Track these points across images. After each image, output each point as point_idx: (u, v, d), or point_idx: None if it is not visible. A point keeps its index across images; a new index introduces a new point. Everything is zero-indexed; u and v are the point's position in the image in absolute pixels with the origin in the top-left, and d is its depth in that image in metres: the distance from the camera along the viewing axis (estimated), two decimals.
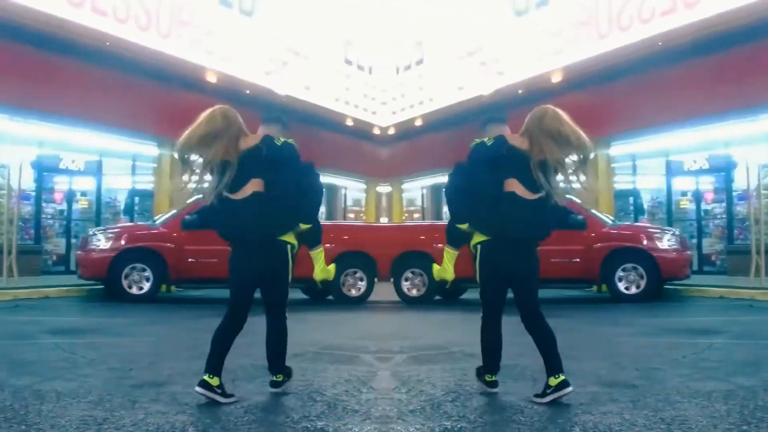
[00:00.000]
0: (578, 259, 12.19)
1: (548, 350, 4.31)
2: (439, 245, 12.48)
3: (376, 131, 26.89)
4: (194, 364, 5.28)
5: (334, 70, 23.69)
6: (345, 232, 13.12)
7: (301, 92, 21.63)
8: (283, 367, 4.55)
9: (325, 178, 26.67)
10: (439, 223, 18.39)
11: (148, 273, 12.36)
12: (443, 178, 23.14)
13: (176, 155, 4.35)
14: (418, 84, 24.12)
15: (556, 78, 17.79)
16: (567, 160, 4.27)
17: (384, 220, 28.41)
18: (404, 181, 28.64)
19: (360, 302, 12.35)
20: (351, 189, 29.15)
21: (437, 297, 12.91)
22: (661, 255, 12.11)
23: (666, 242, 12.31)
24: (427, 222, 21.64)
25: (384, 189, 29.68)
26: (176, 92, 18.13)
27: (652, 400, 4.15)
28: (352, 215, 28.42)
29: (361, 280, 12.60)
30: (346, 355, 6.05)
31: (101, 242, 12.48)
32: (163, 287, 13.54)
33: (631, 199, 19.43)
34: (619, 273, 12.21)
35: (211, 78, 18.53)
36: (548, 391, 4.13)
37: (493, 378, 4.54)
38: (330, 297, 12.88)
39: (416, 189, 28.72)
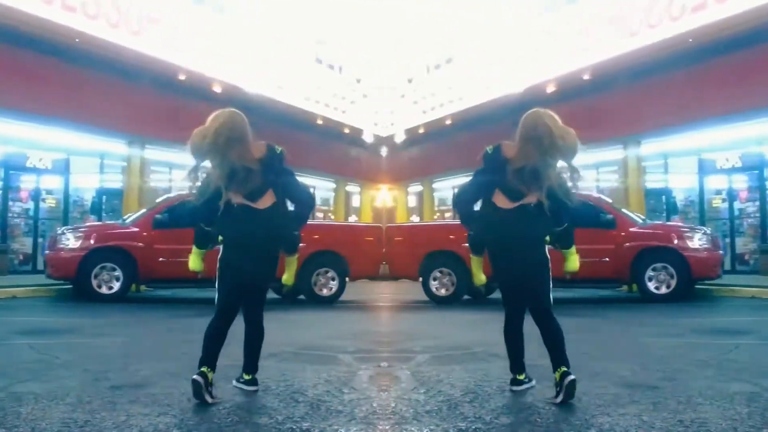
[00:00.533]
0: (608, 259, 12.17)
1: (553, 347, 4.43)
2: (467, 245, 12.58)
3: (365, 135, 26.81)
4: (171, 365, 5.49)
5: (305, 69, 23.60)
6: (316, 231, 13.06)
7: (272, 90, 21.51)
8: (257, 367, 4.70)
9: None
10: None
11: (118, 272, 12.34)
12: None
13: (192, 155, 4.35)
14: (447, 83, 24.02)
15: (586, 76, 17.64)
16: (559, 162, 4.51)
17: (415, 219, 28.34)
18: (435, 181, 28.58)
19: (332, 302, 12.53)
20: (320, 188, 28.93)
21: (466, 296, 12.83)
22: (691, 254, 12.05)
23: (697, 241, 12.21)
24: (456, 221, 21.53)
25: (389, 190, 29.70)
26: (146, 90, 18.04)
27: (673, 402, 4.13)
28: (320, 215, 28.09)
29: (333, 279, 12.73)
30: (325, 355, 6.09)
31: (70, 241, 12.48)
32: (133, 287, 13.57)
33: (663, 198, 19.18)
34: (649, 272, 12.19)
35: (182, 76, 18.36)
36: (558, 390, 4.21)
37: (520, 376, 4.65)
38: (301, 297, 13.00)
39: (447, 188, 28.64)
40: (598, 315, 10.19)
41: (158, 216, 12.51)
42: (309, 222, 20.41)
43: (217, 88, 19.44)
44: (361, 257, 12.91)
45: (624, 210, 13.43)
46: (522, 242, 4.51)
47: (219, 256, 4.59)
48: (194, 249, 4.83)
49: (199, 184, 4.58)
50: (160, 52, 17.47)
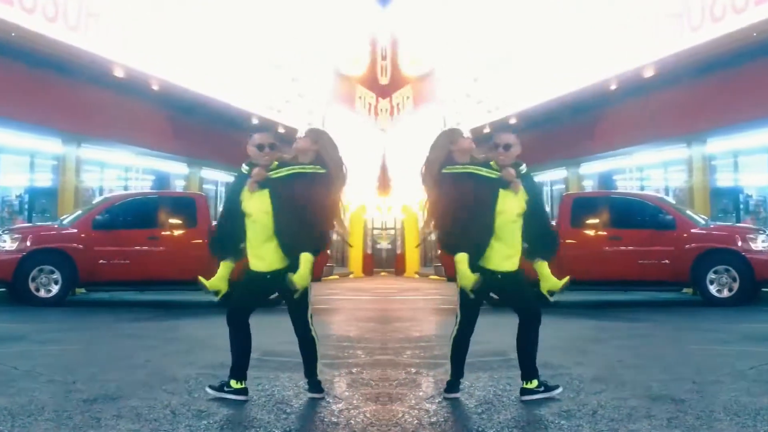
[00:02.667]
0: (667, 261, 11.74)
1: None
2: (525, 245, 12.41)
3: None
4: (139, 374, 5.38)
5: (243, 66, 22.92)
6: None
7: (212, 89, 20.95)
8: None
9: (226, 176, 26.08)
10: None
11: (56, 275, 11.81)
12: (542, 177, 22.50)
13: None
14: (511, 81, 23.70)
15: (648, 72, 17.12)
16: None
17: None
18: None
19: (276, 304, 12.16)
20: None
21: None
22: (755, 257, 11.61)
23: (761, 243, 11.73)
24: None
25: None
26: (82, 86, 17.32)
27: (691, 418, 4.01)
28: None
29: None
30: (291, 362, 5.70)
31: (6, 243, 11.94)
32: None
33: (733, 198, 18.42)
34: (711, 275, 11.73)
35: (119, 72, 17.73)
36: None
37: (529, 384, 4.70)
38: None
39: None
40: (652, 319, 9.93)
41: (98, 217, 12.06)
42: None
43: (155, 86, 18.96)
44: None
45: (686, 211, 13.01)
46: None
47: None
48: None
49: None
50: (98, 47, 16.82)
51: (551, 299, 4.87)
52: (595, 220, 12.29)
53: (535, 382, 4.60)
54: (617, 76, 18.00)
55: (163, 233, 12.18)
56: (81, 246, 11.91)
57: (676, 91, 17.04)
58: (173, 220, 12.41)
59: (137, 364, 5.85)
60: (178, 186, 22.67)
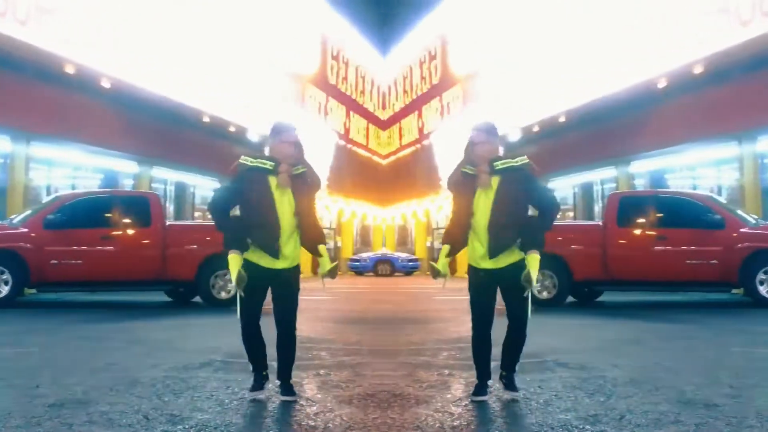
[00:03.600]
0: (716, 261, 11.48)
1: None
2: (577, 246, 12.27)
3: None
4: (103, 378, 5.23)
5: (195, 65, 22.42)
6: (214, 233, 12.86)
7: (163, 87, 20.59)
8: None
9: (177, 175, 25.67)
10: (578, 223, 17.85)
11: (6, 276, 11.61)
12: (591, 176, 22.23)
13: None
14: (560, 80, 23.40)
15: (698, 69, 16.74)
16: None
17: None
18: (551, 179, 27.91)
19: (230, 305, 12.00)
20: (200, 187, 28.00)
21: (571, 299, 12.48)
22: None
23: None
24: (561, 222, 20.87)
25: None
26: (32, 83, 17.10)
27: (721, 424, 3.88)
28: (198, 214, 27.29)
29: (231, 282, 12.17)
30: None
31: None
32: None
33: None
34: (761, 276, 11.50)
35: (69, 69, 17.46)
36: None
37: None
38: (196, 299, 12.79)
39: (568, 187, 27.93)
40: (697, 321, 9.70)
41: (50, 216, 11.81)
42: (207, 223, 19.54)
43: (105, 83, 18.64)
44: None
45: (736, 210, 12.69)
46: None
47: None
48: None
49: None
50: (48, 43, 16.41)
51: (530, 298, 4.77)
52: (642, 220, 12.09)
53: None
54: (666, 73, 17.66)
55: (116, 233, 11.99)
56: (32, 246, 11.68)
57: (726, 87, 16.66)
58: (126, 220, 12.20)
59: (99, 367, 5.72)
60: (127, 185, 22.15)
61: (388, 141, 48.26)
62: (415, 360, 6.31)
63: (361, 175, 41.64)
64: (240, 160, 4.68)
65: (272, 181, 4.59)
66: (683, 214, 12.05)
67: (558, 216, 4.95)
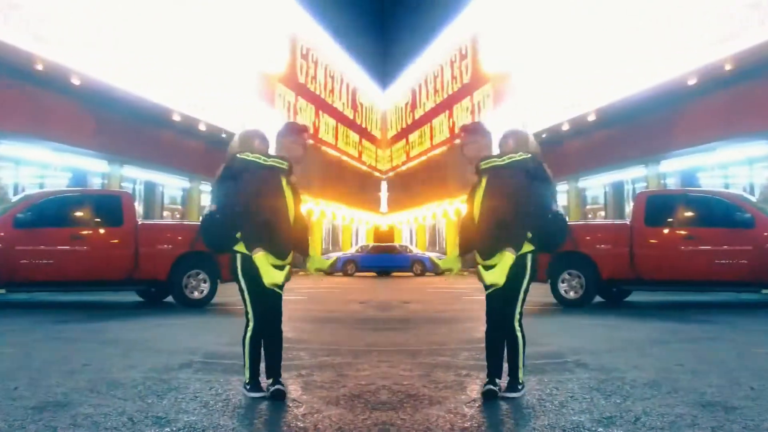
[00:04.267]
0: (745, 261, 11.27)
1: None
2: (604, 246, 12.11)
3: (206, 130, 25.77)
4: (82, 379, 5.12)
5: (166, 63, 22.51)
6: (187, 232, 12.62)
7: (134, 85, 20.54)
8: None
9: (146, 174, 25.30)
10: (605, 222, 17.64)
11: None
12: (622, 175, 22.04)
13: None
14: (588, 78, 23.19)
15: (729, 66, 16.48)
16: None
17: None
18: (581, 179, 27.68)
19: (203, 305, 11.99)
20: (169, 186, 27.98)
21: (599, 299, 12.33)
22: None
23: None
24: (588, 221, 20.69)
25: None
26: (1, 79, 17.02)
27: (738, 427, 3.82)
28: (167, 213, 27.19)
29: (204, 281, 12.12)
30: (238, 364, 5.50)
31: None
32: None
33: None
34: None
35: (39, 66, 17.33)
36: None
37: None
38: (168, 299, 12.64)
39: (599, 186, 27.69)
40: (725, 321, 9.52)
41: (20, 215, 11.52)
42: (178, 222, 19.00)
43: (75, 80, 18.60)
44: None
45: (767, 209, 12.44)
46: None
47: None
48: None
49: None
50: (17, 39, 16.34)
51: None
52: (670, 219, 11.90)
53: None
54: (696, 70, 17.42)
55: (87, 232, 11.75)
56: (1, 245, 11.41)
57: (758, 84, 16.36)
58: (98, 219, 11.96)
59: (76, 369, 5.61)
60: (96, 184, 22.02)
61: (388, 155, 48.13)
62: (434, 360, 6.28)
63: (330, 175, 41.57)
64: (250, 157, 4.55)
65: (284, 181, 4.59)
66: (712, 213, 11.84)
67: (566, 219, 4.85)
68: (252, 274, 4.43)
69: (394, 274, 32.29)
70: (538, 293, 13.75)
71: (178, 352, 6.54)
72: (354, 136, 49.91)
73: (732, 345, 7.26)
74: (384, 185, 60.23)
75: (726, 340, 7.66)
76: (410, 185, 50.14)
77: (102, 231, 11.90)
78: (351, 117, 48.92)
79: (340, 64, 45.18)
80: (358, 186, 50.19)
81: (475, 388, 4.93)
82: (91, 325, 9.15)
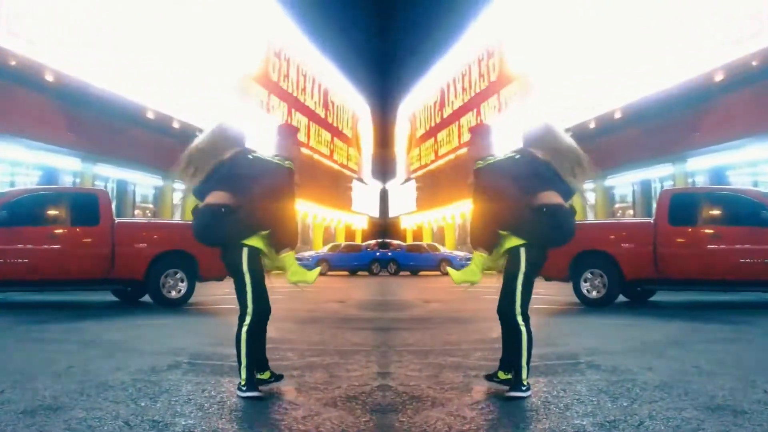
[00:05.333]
0: None
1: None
2: (627, 245, 11.93)
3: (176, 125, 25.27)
4: (69, 382, 4.96)
5: (142, 60, 22.37)
6: (163, 230, 12.66)
7: (108, 82, 20.32)
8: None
9: (118, 173, 24.83)
10: (628, 220, 17.37)
11: None
12: (650, 173, 21.74)
13: None
14: (614, 75, 22.90)
15: (755, 62, 16.14)
16: None
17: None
18: (608, 177, 27.34)
19: (180, 304, 11.75)
20: (141, 185, 27.54)
21: (623, 299, 12.14)
22: None
23: None
24: (611, 220, 20.38)
25: None
26: None
27: None
28: (138, 212, 26.82)
29: (182, 281, 11.89)
30: (226, 365, 5.61)
31: None
32: None
33: None
34: None
35: (11, 62, 17.03)
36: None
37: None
38: (144, 299, 12.40)
39: (626, 185, 27.34)
40: (749, 322, 9.30)
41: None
42: (155, 221, 18.49)
43: (49, 77, 18.29)
44: (211, 257, 11.05)
45: None
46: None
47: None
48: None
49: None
50: None
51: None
52: (694, 218, 11.66)
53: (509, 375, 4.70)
54: (723, 66, 17.10)
55: (63, 231, 11.48)
56: None
57: None
58: (74, 217, 11.65)
59: (61, 371, 5.44)
60: (67, 182, 21.55)
61: (417, 154, 47.90)
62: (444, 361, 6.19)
63: (302, 174, 41.55)
64: (268, 157, 4.71)
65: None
66: (737, 212, 11.58)
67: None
68: (258, 268, 4.51)
69: (422, 273, 32.21)
70: (562, 292, 13.59)
71: (163, 353, 6.40)
72: (326, 135, 49.84)
73: (752, 346, 7.08)
74: (412, 184, 60.15)
75: (746, 341, 7.48)
76: (439, 184, 49.98)
77: (78, 230, 11.59)
78: (322, 116, 48.82)
79: (312, 63, 45.07)
80: (329, 185, 50.01)
81: (481, 390, 4.83)
82: (69, 326, 8.92)
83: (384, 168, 67.62)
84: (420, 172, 58.55)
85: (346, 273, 31.89)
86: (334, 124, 53.23)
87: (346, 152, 57.26)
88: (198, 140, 4.75)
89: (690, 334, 8.09)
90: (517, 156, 4.66)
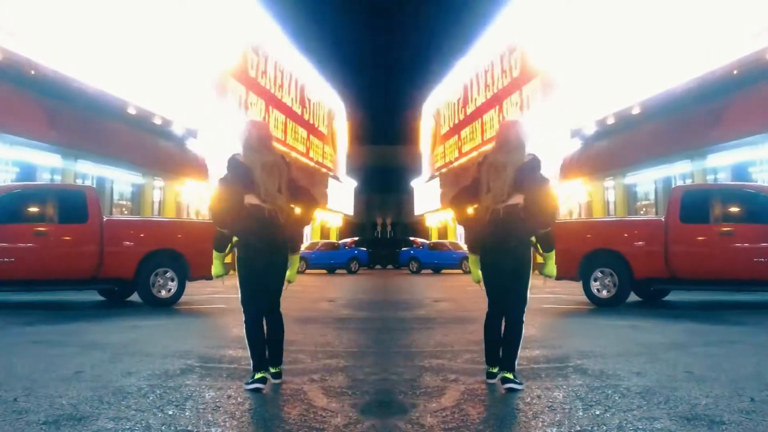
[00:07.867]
0: None
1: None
2: (637, 243, 11.63)
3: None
4: (83, 388, 4.74)
5: (123, 54, 21.67)
6: (152, 229, 12.45)
7: (90, 76, 19.77)
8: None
9: (98, 170, 24.26)
10: (638, 218, 16.98)
11: None
12: (671, 170, 21.20)
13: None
14: (633, 68, 22.45)
15: None
16: None
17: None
18: (628, 174, 26.84)
19: (170, 304, 11.46)
20: (119, 182, 26.52)
21: (636, 298, 11.86)
22: None
23: None
24: (621, 218, 19.94)
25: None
26: None
27: None
28: (116, 210, 26.00)
29: (172, 280, 11.61)
30: (240, 368, 5.50)
31: None
32: None
33: None
34: None
35: None
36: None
37: (493, 369, 4.95)
38: (131, 298, 12.13)
39: (648, 182, 26.81)
40: (757, 323, 9.00)
41: None
42: (144, 219, 18.22)
43: (29, 70, 17.64)
44: (201, 256, 10.54)
45: None
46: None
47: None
48: (215, 253, 5.01)
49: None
50: None
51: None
52: (707, 215, 11.29)
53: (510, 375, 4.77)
54: (742, 59, 16.65)
55: (51, 229, 11.05)
56: None
57: None
58: (62, 215, 11.19)
59: (69, 376, 5.21)
60: (46, 179, 20.48)
61: (441, 151, 47.54)
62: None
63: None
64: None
65: None
66: (751, 209, 11.21)
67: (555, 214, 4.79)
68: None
69: (444, 271, 31.99)
70: (571, 292, 13.31)
71: (169, 356, 6.21)
72: (302, 132, 49.48)
73: (755, 349, 6.77)
74: (437, 182, 59.79)
75: (750, 343, 7.17)
76: (463, 181, 49.55)
77: (66, 227, 11.22)
78: (299, 113, 48.52)
79: (288, 60, 44.75)
80: (305, 182, 49.48)
81: (453, 395, 4.63)
82: (63, 327, 8.65)
83: (356, 165, 67.68)
84: (444, 170, 58.22)
85: (323, 272, 31.59)
86: (311, 121, 52.93)
87: (321, 150, 56.94)
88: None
89: (692, 336, 7.80)
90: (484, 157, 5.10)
